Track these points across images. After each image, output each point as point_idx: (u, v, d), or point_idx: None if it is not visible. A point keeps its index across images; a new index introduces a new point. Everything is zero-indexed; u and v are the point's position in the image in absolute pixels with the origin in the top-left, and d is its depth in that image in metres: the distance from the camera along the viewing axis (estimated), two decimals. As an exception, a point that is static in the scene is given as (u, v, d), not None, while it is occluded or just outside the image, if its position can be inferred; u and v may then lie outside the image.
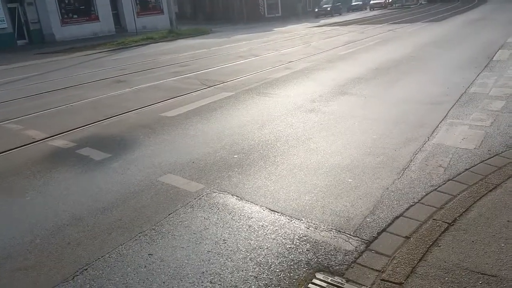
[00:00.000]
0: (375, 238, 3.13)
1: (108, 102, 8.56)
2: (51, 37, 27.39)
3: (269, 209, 3.66)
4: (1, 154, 5.67)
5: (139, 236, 3.35)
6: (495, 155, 4.42)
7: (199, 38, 25.35)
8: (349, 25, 27.14)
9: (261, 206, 3.72)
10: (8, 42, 25.25)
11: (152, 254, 3.10)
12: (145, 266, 2.96)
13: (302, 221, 3.43)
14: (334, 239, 3.15)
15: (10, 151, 5.77)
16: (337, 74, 9.89)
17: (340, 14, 42.54)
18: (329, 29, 24.58)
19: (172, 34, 26.55)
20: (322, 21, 34.06)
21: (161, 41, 23.82)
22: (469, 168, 4.16)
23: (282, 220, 3.46)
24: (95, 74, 12.85)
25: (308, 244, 3.11)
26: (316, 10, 42.78)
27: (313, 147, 5.08)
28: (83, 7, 29.47)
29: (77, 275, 2.91)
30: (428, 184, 3.91)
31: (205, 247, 3.16)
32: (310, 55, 13.47)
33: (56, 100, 8.98)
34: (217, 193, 4.02)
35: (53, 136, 6.28)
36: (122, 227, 3.52)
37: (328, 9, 42.13)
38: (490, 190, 3.63)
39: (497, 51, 11.30)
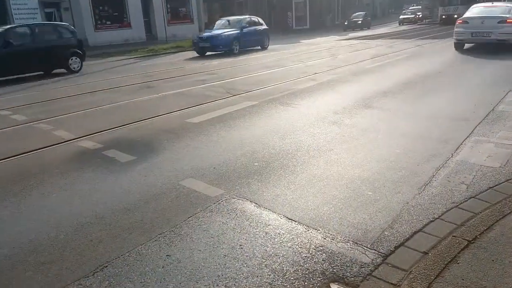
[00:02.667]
0: (392, 252, 3.11)
1: (136, 107, 8.79)
2: (84, 42, 28.18)
3: (287, 217, 3.68)
4: (32, 153, 5.89)
5: (159, 237, 3.43)
6: (521, 175, 4.32)
7: (226, 47, 25.60)
8: (378, 39, 26.99)
9: (278, 214, 3.75)
10: (43, 46, 26.14)
11: (170, 255, 3.17)
12: (163, 267, 3.03)
13: (319, 231, 3.44)
14: (350, 250, 3.15)
15: (40, 150, 5.99)
16: (362, 87, 9.86)
17: (368, 28, 42.40)
18: (357, 42, 24.50)
19: (200, 43, 26.95)
20: (350, 34, 33.97)
21: (190, 50, 24.23)
22: (493, 187, 4.08)
23: (299, 229, 3.48)
24: (125, 79, 13.20)
25: (324, 254, 3.12)
26: (346, 23, 42.70)
27: (334, 158, 5.08)
28: (116, 13, 30.39)
29: (97, 272, 3.00)
30: (450, 200, 3.86)
31: (221, 251, 3.20)
32: (336, 67, 13.46)
33: (86, 103, 9.27)
34: (236, 199, 4.07)
35: (81, 137, 6.49)
36: (143, 227, 3.61)
37: (359, 22, 42.10)
38: (514, 210, 3.55)
39: (529, 69, 11.03)
